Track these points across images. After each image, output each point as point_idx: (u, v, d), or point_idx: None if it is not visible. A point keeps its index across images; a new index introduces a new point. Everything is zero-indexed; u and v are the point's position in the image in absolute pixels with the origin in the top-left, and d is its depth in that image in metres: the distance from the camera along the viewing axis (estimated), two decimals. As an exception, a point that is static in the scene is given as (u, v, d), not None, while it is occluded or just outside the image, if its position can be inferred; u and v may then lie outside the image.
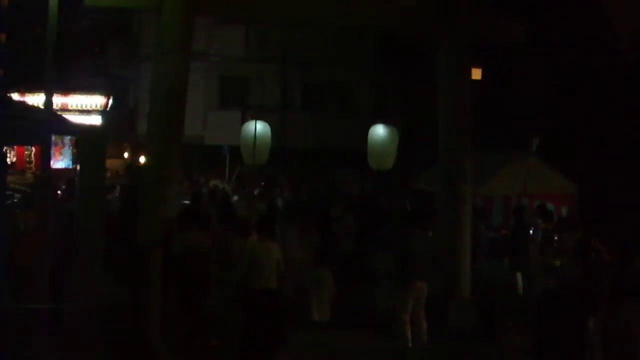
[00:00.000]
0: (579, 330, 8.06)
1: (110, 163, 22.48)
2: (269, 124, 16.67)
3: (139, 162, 18.88)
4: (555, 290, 8.76)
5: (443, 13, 10.97)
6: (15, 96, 18.65)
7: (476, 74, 13.65)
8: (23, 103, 14.81)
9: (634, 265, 9.03)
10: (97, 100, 22.31)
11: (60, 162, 23.05)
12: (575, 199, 14.53)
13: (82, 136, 10.50)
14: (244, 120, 23.36)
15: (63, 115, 14.07)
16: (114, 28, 25.34)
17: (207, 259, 9.51)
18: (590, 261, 8.75)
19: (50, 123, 10.45)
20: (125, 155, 24.31)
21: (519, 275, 12.23)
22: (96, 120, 22.34)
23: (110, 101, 22.92)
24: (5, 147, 14.81)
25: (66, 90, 21.74)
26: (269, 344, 8.73)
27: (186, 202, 13.07)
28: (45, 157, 11.41)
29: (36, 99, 17.97)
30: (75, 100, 22.00)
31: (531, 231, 13.01)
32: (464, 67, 11.27)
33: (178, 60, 9.58)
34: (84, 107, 22.10)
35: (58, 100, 21.28)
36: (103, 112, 22.35)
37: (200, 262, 9.40)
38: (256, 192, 17.40)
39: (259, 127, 15.80)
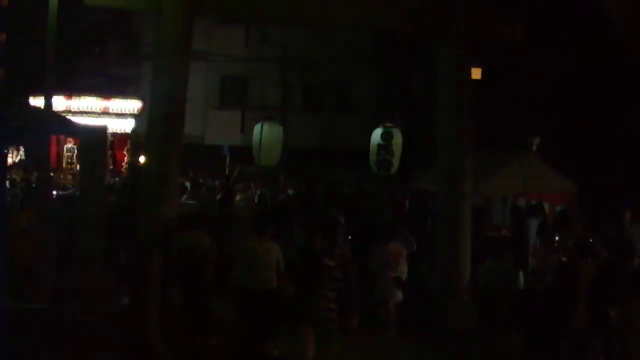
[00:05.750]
0: (575, 327, 8.08)
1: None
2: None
3: (139, 162, 18.85)
4: (553, 288, 8.78)
5: (444, 13, 10.98)
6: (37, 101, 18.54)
7: (476, 74, 13.62)
8: (23, 103, 14.82)
9: (636, 264, 9.04)
10: (134, 105, 22.56)
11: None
12: (574, 199, 14.52)
13: (83, 137, 10.51)
14: (243, 120, 23.40)
15: (65, 116, 14.07)
16: (114, 28, 25.31)
17: (207, 258, 9.51)
18: (589, 260, 8.74)
19: (50, 123, 10.46)
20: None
21: (520, 275, 12.21)
22: (130, 123, 22.66)
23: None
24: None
25: (107, 94, 22.04)
26: (262, 339, 8.80)
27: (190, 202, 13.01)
28: (45, 157, 11.43)
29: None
30: (116, 104, 22.28)
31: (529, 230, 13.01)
32: (463, 67, 11.27)
33: (178, 60, 9.57)
34: (121, 111, 22.37)
35: (100, 104, 21.83)
36: (137, 116, 22.50)
37: (200, 262, 9.40)
38: (257, 192, 17.39)
39: (272, 129, 15.65)
